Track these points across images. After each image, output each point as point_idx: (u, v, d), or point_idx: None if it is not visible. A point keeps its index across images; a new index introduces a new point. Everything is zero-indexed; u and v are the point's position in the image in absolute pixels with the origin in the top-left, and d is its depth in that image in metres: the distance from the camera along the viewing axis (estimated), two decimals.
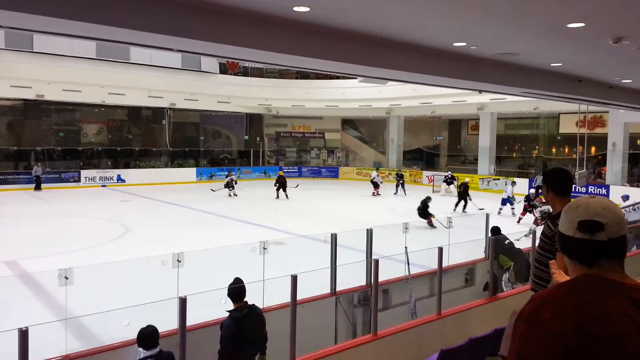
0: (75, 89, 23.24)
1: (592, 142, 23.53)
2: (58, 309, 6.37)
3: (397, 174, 24.91)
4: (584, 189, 20.27)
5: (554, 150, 28.92)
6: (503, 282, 7.94)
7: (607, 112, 21.60)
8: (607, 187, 21.73)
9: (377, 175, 24.37)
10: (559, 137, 27.72)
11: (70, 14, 4.16)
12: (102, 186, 24.80)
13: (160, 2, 4.57)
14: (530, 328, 1.28)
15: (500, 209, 17.53)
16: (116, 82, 23.81)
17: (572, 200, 3.74)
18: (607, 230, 1.35)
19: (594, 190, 21.62)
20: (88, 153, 28.34)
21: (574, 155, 19.08)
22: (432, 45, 6.20)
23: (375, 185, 23.51)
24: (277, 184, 21.28)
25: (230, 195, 21.51)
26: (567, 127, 24.90)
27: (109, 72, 23.29)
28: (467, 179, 21.68)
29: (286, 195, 21.05)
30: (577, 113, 15.59)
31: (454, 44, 6.16)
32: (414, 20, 5.09)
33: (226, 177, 22.64)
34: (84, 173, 25.09)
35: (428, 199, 15.24)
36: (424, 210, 14.88)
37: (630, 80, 10.05)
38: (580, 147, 15.54)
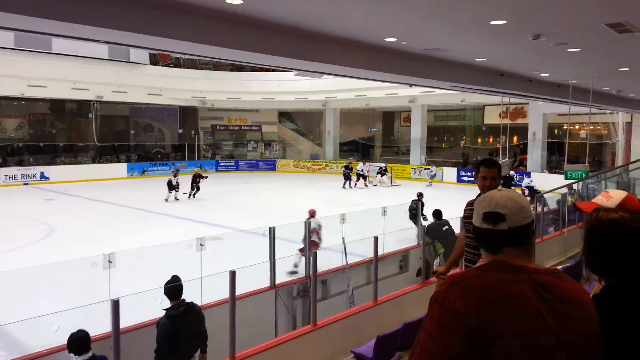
0: None
1: (514, 132, 24.97)
2: None
3: (345, 167, 24.67)
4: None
5: (479, 140, 30.42)
6: (434, 267, 8.29)
7: (527, 103, 22.96)
8: (528, 174, 23.17)
9: (363, 164, 24.72)
10: (484, 128, 29.19)
11: None
12: (24, 184, 23.29)
13: None
14: (438, 309, 1.36)
15: None
16: (37, 74, 22.34)
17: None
18: (508, 220, 1.45)
19: (517, 177, 23.00)
20: (7, 149, 26.48)
21: (498, 145, 20.18)
22: (365, 40, 6.33)
23: (360, 177, 23.73)
24: (198, 180, 19.67)
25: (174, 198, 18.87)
26: (491, 118, 26.25)
27: (29, 62, 21.78)
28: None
29: (193, 195, 19.54)
30: (500, 105, 16.47)
31: (386, 39, 6.33)
32: (346, 15, 5.18)
33: (175, 175, 19.41)
34: (4, 171, 23.44)
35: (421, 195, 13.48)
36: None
37: (547, 74, 10.75)
38: (504, 137, 16.46)
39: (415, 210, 12.93)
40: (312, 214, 10.94)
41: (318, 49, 6.21)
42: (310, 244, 9.95)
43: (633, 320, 1.51)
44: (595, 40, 6.41)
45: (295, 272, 9.78)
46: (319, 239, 10.25)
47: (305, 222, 10.43)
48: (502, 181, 20.62)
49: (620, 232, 1.60)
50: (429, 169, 25.63)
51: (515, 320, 1.31)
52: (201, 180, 19.75)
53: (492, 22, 5.44)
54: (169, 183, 18.85)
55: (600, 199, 1.88)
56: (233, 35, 5.26)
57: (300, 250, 9.94)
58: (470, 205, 3.91)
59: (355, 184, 23.74)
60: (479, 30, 5.88)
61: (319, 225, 10.39)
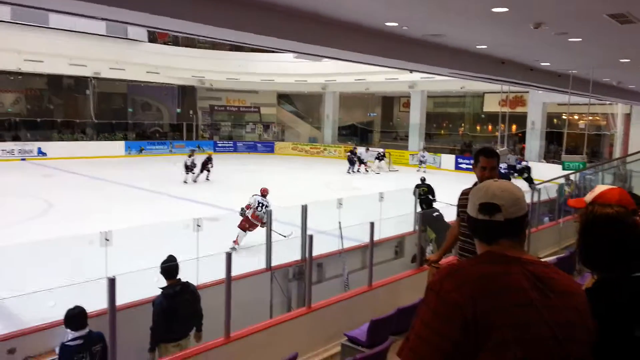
0: None
1: (513, 120, 24.93)
2: None
3: (350, 151, 24.23)
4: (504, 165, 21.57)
5: (478, 127, 30.36)
6: (427, 253, 8.37)
7: (527, 92, 22.89)
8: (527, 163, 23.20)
9: (365, 151, 24.39)
10: (483, 115, 29.11)
11: None
12: (22, 159, 23.25)
13: None
14: (435, 298, 1.37)
15: None
16: (34, 48, 22.12)
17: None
18: (504, 211, 1.45)
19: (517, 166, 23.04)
20: (5, 124, 26.34)
21: (497, 133, 20.17)
22: (366, 24, 6.29)
23: (362, 163, 23.53)
24: (210, 165, 19.21)
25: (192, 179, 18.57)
26: (491, 105, 26.17)
27: (26, 36, 21.57)
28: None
29: (206, 178, 19.31)
30: (500, 93, 16.43)
31: (386, 24, 6.28)
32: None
33: (190, 155, 18.96)
34: (1, 145, 23.41)
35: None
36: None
37: (548, 63, 10.71)
38: (503, 126, 16.47)
39: (424, 196, 13.28)
40: (263, 192, 11.15)
41: (317, 32, 6.15)
42: (242, 220, 10.31)
43: (622, 315, 1.54)
44: (596, 30, 6.38)
45: (234, 249, 9.71)
46: (256, 219, 10.28)
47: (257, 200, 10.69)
48: (515, 173, 20.05)
49: (614, 227, 1.62)
50: (417, 154, 25.27)
51: (510, 311, 1.32)
52: (211, 164, 19.20)
53: (493, 10, 5.41)
54: (185, 165, 18.55)
55: (587, 195, 1.93)
56: (231, 15, 5.21)
57: (240, 226, 10.24)
58: (465, 194, 3.90)
59: (358, 169, 23.64)
60: (481, 17, 5.84)
61: (260, 204, 10.52)
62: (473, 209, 1.52)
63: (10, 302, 5.89)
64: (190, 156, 18.87)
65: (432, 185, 13.73)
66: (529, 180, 19.16)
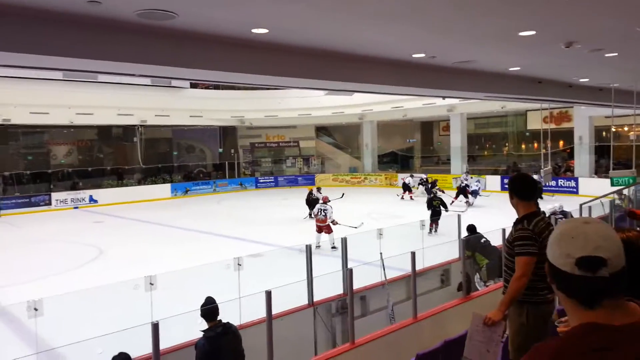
0: (42, 111, 22.80)
1: (559, 136, 24.15)
2: (31, 340, 6.28)
3: (423, 179, 23.43)
4: (554, 183, 20.83)
5: (523, 146, 29.57)
6: (475, 281, 8.11)
7: (572, 107, 22.23)
8: (576, 180, 22.33)
9: (412, 178, 23.68)
10: (527, 134, 28.36)
11: (33, 48, 4.18)
12: (74, 208, 24.35)
13: (121, 32, 4.60)
14: None
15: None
16: (84, 102, 23.45)
17: (533, 205, 3.70)
18: (610, 265, 1.17)
19: (563, 183, 22.21)
20: (58, 175, 27.81)
21: (544, 150, 19.59)
22: (393, 57, 6.36)
23: (407, 189, 22.88)
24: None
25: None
26: (535, 123, 25.47)
27: (77, 92, 22.90)
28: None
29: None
30: (543, 110, 16.02)
31: (413, 56, 6.33)
32: (370, 37, 5.23)
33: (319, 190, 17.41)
34: (55, 195, 24.57)
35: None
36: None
37: (587, 79, 10.41)
38: (549, 143, 16.00)
39: (438, 208, 14.79)
40: (324, 200, 13.58)
41: (345, 69, 6.27)
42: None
43: None
44: (632, 44, 6.20)
45: (318, 246, 12.14)
46: (319, 222, 13.13)
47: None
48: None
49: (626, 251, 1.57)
50: (460, 177, 24.26)
51: None
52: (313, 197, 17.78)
53: (520, 34, 5.36)
54: (309, 200, 17.17)
55: None
56: (262, 62, 5.41)
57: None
58: (521, 229, 3.46)
59: (410, 197, 22.99)
60: (508, 42, 5.80)
61: (319, 210, 13.16)
62: (566, 263, 1.20)
63: (65, 350, 6.10)
64: (319, 190, 17.63)
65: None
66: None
